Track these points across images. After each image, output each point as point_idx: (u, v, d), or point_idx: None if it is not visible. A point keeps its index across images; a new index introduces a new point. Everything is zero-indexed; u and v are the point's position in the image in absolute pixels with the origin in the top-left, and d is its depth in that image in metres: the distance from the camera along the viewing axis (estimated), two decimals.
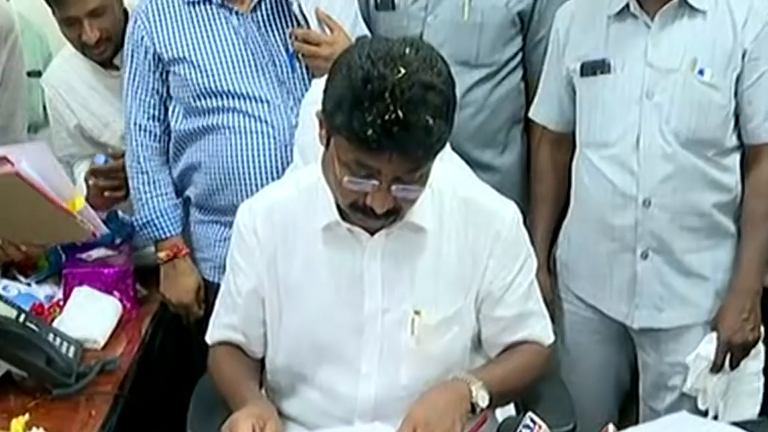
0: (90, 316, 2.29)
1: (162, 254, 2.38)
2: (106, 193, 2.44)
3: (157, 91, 2.32)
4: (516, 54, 2.49)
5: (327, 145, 1.64)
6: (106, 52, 2.47)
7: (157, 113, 2.34)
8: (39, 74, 2.84)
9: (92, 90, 2.55)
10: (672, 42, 2.13)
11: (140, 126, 2.34)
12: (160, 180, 2.36)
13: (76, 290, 2.36)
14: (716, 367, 2.19)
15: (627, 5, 2.15)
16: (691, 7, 2.11)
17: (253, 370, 1.90)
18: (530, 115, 2.42)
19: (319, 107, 1.64)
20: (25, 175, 1.86)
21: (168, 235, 2.37)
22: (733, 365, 2.20)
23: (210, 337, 1.93)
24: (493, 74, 2.46)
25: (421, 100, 1.52)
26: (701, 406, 2.21)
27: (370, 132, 1.50)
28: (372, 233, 1.74)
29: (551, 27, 2.36)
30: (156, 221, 2.36)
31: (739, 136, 2.18)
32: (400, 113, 1.50)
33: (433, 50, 1.60)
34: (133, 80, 2.32)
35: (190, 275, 2.39)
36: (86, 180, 2.46)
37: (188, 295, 2.38)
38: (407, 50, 1.55)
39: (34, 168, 1.89)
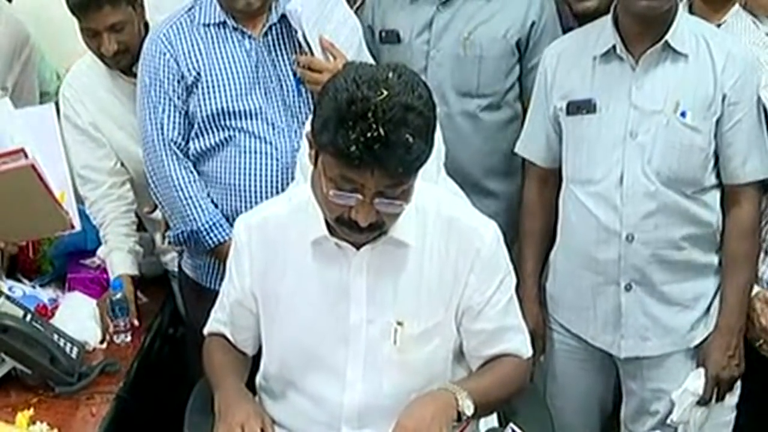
0: (80, 321, 2.42)
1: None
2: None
3: (182, 112, 2.43)
4: (515, 82, 2.65)
5: (315, 163, 1.81)
6: (122, 62, 2.61)
7: (184, 131, 2.44)
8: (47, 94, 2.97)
9: (111, 94, 2.68)
10: (656, 84, 2.27)
11: (176, 143, 2.43)
12: (204, 190, 2.45)
13: (67, 295, 2.53)
14: (704, 401, 2.35)
15: (613, 47, 2.28)
16: (675, 51, 2.25)
17: (241, 362, 2.09)
18: (517, 150, 2.54)
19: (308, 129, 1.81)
20: (38, 169, 2.01)
21: (231, 235, 2.37)
22: (719, 399, 2.36)
23: (207, 327, 2.14)
24: (496, 103, 2.63)
25: (402, 120, 1.68)
26: None
27: (353, 148, 1.67)
28: (358, 248, 1.90)
29: None
30: (221, 223, 2.43)
31: (718, 175, 2.32)
32: (382, 131, 1.66)
33: (415, 75, 1.77)
34: (160, 101, 2.42)
35: None
36: None
37: None
38: (390, 75, 1.72)
39: (37, 139, 2.05)
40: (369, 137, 1.66)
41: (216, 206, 2.45)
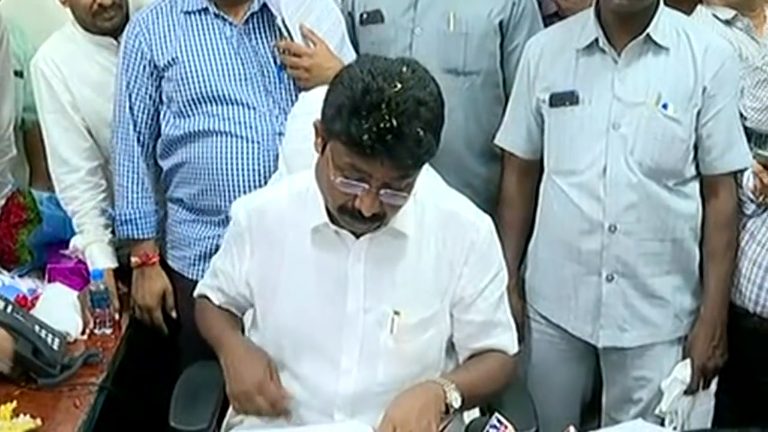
0: (61, 312, 2.42)
1: (133, 259, 2.58)
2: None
3: (150, 96, 2.51)
4: (498, 67, 2.69)
5: (322, 152, 1.87)
6: (114, 19, 2.65)
7: (150, 118, 2.52)
8: (21, 74, 2.96)
9: (93, 62, 2.69)
10: (638, 77, 2.34)
11: (136, 127, 2.52)
12: (148, 182, 2.56)
13: (47, 286, 2.54)
14: (690, 390, 2.45)
15: (596, 40, 2.36)
16: (656, 44, 2.33)
17: (236, 320, 2.16)
18: (497, 141, 2.60)
19: (318, 117, 1.87)
20: None
21: (145, 236, 2.56)
22: (704, 387, 2.46)
23: (197, 290, 2.23)
24: (481, 83, 2.67)
25: (414, 114, 1.76)
26: (668, 426, 2.45)
27: (365, 138, 1.74)
28: (357, 237, 1.96)
29: (525, 37, 2.58)
30: (138, 221, 2.55)
31: (698, 167, 2.40)
32: (395, 122, 1.73)
33: (426, 72, 1.85)
34: (128, 84, 2.50)
35: (156, 280, 2.57)
36: None
37: (152, 299, 2.57)
38: (404, 69, 1.80)
39: None
40: (382, 128, 1.72)
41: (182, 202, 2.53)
